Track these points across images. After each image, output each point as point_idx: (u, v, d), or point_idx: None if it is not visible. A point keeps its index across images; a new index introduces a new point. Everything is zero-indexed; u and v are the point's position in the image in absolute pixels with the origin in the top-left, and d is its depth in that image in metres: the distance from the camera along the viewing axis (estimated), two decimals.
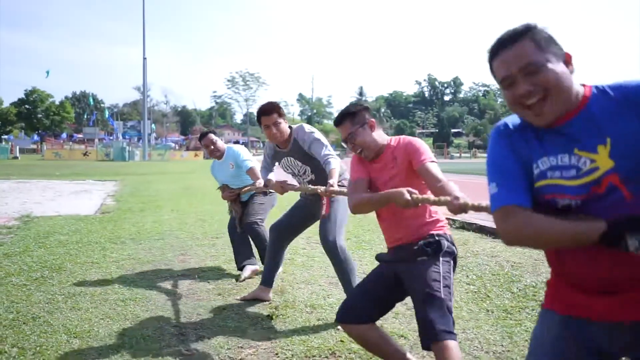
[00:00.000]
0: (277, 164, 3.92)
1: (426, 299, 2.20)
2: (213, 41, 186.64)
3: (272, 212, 4.84)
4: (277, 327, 3.38)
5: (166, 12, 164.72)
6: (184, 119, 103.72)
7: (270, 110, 3.65)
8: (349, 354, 2.90)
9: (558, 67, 1.30)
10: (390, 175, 2.44)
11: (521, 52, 1.30)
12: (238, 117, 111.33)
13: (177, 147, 63.10)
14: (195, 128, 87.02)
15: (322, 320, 3.47)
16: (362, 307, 2.42)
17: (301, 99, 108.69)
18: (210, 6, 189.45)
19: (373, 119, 2.53)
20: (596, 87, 1.35)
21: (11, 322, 3.37)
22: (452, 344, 2.10)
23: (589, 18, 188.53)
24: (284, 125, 3.67)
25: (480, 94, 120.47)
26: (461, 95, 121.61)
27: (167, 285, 4.35)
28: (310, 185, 3.60)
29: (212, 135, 4.77)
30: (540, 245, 1.39)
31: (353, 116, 2.52)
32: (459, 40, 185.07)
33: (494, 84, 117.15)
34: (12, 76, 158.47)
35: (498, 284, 4.24)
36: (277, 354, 2.92)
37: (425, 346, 2.16)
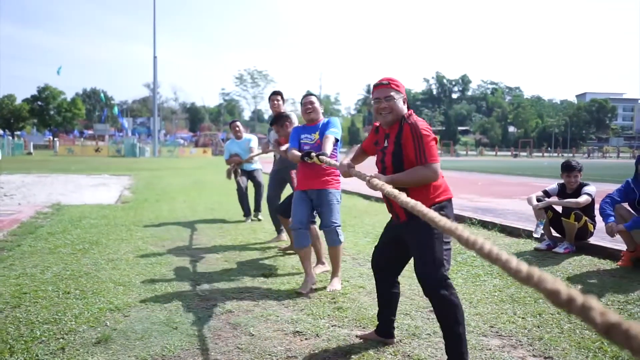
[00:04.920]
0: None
1: None
2: (222, 39, 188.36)
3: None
4: (269, 281, 4.46)
5: (176, 9, 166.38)
6: (193, 116, 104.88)
7: None
8: (317, 298, 3.98)
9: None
10: None
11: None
12: (246, 114, 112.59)
13: (185, 144, 64.16)
14: (204, 125, 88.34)
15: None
16: None
17: None
18: (219, 4, 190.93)
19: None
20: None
21: (69, 276, 4.48)
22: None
23: (594, 17, 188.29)
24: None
25: (489, 92, 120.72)
26: (469, 93, 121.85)
27: (185, 254, 5.46)
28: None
29: (238, 122, 8.13)
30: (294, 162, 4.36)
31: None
32: (467, 38, 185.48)
33: (502, 82, 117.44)
34: (25, 73, 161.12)
35: (493, 269, 5.16)
36: (266, 295, 4.02)
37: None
